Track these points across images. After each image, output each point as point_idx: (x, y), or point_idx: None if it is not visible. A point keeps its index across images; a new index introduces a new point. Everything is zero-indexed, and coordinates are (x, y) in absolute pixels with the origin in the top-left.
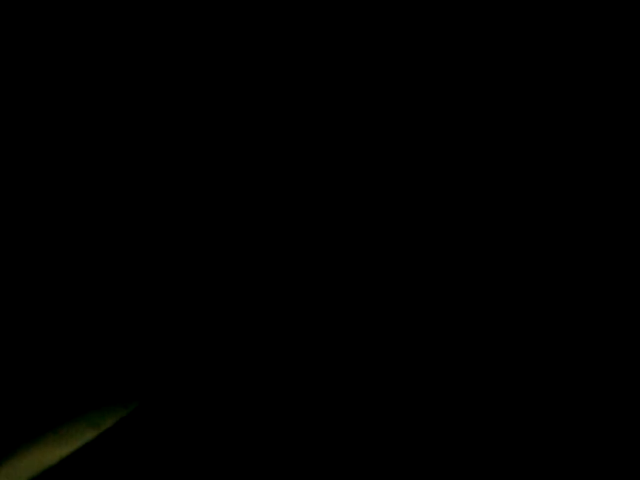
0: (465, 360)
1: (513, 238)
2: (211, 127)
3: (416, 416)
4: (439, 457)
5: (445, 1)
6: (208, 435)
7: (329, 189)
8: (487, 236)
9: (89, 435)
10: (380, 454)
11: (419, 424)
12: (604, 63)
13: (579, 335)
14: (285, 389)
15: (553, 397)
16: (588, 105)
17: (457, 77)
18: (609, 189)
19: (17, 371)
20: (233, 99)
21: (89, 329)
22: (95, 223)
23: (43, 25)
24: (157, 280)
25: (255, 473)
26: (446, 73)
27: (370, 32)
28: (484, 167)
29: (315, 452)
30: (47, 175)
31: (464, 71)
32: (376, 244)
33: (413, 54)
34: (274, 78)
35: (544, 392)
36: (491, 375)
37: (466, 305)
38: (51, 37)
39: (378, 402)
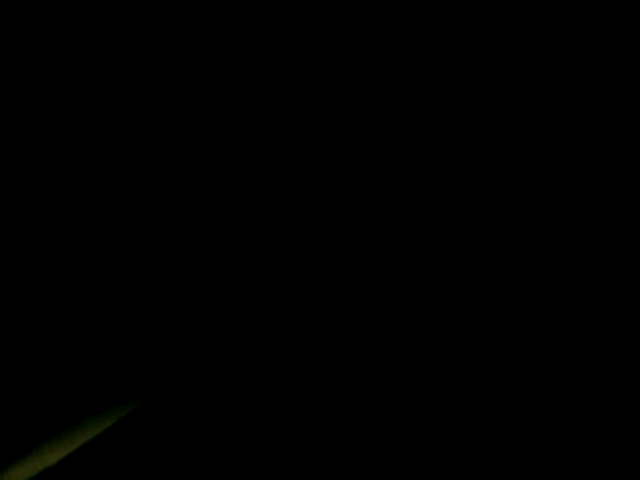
0: (465, 359)
1: (512, 238)
2: (210, 127)
3: (416, 416)
4: (439, 456)
5: (445, 1)
6: (208, 435)
7: (328, 189)
8: (486, 236)
9: (89, 434)
10: (380, 454)
11: (419, 424)
12: (604, 63)
13: (579, 334)
14: (285, 389)
15: (552, 396)
16: (588, 105)
17: (457, 77)
18: (609, 189)
19: (18, 372)
20: (233, 99)
21: (91, 330)
22: (97, 224)
23: (43, 25)
24: (158, 281)
25: (255, 473)
26: (446, 74)
27: (370, 32)
28: (484, 167)
29: (315, 452)
30: (47, 175)
31: (464, 71)
32: (376, 244)
33: (413, 54)
34: (274, 78)
35: (544, 392)
36: (491, 374)
37: (466, 304)
38: (51, 37)
39: (378, 402)
